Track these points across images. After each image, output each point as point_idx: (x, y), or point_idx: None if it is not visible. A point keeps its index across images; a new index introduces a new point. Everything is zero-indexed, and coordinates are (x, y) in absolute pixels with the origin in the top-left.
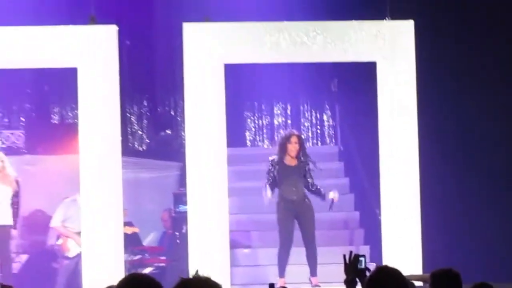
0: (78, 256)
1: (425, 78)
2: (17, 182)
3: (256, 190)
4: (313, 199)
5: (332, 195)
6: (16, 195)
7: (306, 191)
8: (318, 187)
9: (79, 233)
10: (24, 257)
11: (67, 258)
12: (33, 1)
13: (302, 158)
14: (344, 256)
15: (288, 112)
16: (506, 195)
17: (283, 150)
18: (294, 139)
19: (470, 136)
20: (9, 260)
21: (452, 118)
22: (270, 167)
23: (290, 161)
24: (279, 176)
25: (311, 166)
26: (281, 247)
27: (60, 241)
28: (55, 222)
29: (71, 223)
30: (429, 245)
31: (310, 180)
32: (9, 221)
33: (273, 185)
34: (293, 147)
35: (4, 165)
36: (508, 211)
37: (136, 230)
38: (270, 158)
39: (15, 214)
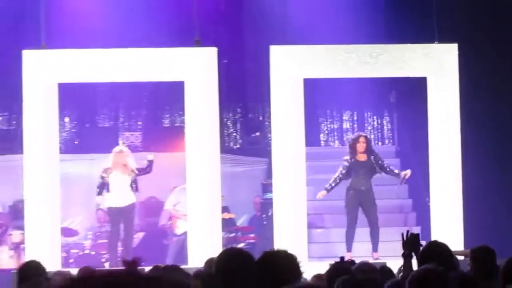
0: (185, 233)
1: (467, 89)
2: (134, 172)
3: (328, 182)
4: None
5: (404, 173)
6: (134, 182)
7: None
8: (391, 167)
9: (186, 215)
10: (141, 235)
11: (176, 235)
12: (152, 28)
13: (371, 154)
14: (402, 234)
15: (355, 118)
16: None
17: (353, 149)
18: (362, 139)
19: (506, 135)
20: (131, 236)
21: (489, 124)
22: (346, 163)
23: (360, 157)
24: (352, 170)
25: (379, 161)
26: (348, 227)
27: (170, 222)
28: (168, 206)
29: (181, 207)
30: (470, 226)
31: (385, 164)
32: (133, 199)
33: (345, 177)
34: (361, 146)
35: (127, 159)
36: None
37: (232, 216)
38: (345, 158)
39: (133, 197)
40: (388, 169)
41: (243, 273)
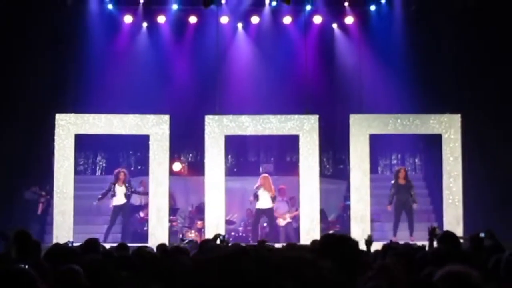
0: (288, 224)
1: (468, 144)
2: (273, 190)
3: (384, 195)
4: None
5: (415, 204)
6: (274, 197)
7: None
8: (413, 196)
9: (283, 214)
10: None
11: (282, 226)
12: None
13: (407, 180)
14: (428, 228)
15: (399, 157)
16: None
17: (396, 176)
18: (402, 170)
19: (501, 179)
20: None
21: (488, 170)
22: (393, 184)
23: (401, 181)
24: (397, 189)
25: (412, 184)
26: (395, 221)
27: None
28: (277, 213)
29: (279, 210)
30: (468, 220)
31: (412, 193)
32: (270, 205)
33: (394, 194)
34: (402, 174)
35: (269, 180)
36: None
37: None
38: (392, 182)
39: (273, 204)
40: (411, 194)
41: (340, 249)
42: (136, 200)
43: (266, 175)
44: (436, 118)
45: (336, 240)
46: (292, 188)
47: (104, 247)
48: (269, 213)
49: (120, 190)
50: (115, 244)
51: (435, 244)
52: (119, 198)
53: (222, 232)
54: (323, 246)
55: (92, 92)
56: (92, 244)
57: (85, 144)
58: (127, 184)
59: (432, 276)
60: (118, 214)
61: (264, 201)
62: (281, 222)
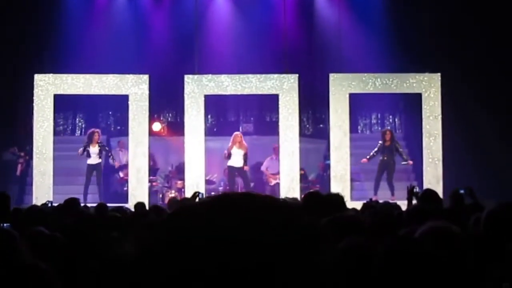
0: (276, 184)
1: (448, 103)
2: (246, 147)
3: (364, 154)
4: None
5: (408, 161)
6: (245, 155)
7: (394, 156)
8: (403, 153)
9: (274, 174)
10: (252, 184)
11: (270, 185)
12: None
13: (394, 141)
14: (408, 186)
15: (379, 117)
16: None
17: (383, 137)
18: (388, 132)
19: (479, 139)
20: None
21: (467, 130)
22: (379, 145)
23: (387, 143)
24: (382, 150)
25: (398, 144)
26: (376, 180)
27: (265, 177)
28: (263, 168)
29: (271, 169)
30: (447, 179)
31: (400, 150)
32: (241, 164)
33: (378, 154)
34: (387, 136)
35: (242, 138)
36: None
37: (302, 172)
38: (379, 142)
39: (245, 163)
40: (400, 152)
41: (321, 204)
42: (114, 160)
43: (237, 132)
44: (416, 77)
45: (322, 196)
46: (272, 148)
47: (87, 207)
48: (241, 172)
49: (94, 151)
50: (95, 204)
51: (414, 203)
52: (93, 158)
53: (202, 191)
54: (308, 202)
55: (71, 52)
56: (71, 204)
57: (64, 105)
58: (101, 144)
59: (412, 234)
60: (92, 172)
61: (236, 160)
62: (272, 181)
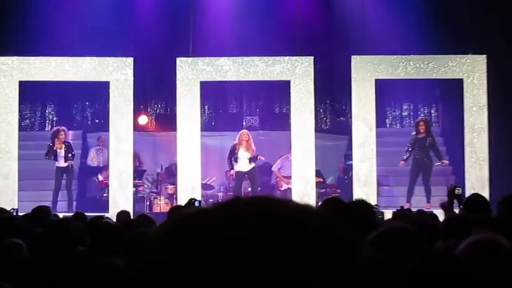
0: (287, 190)
1: (495, 91)
2: (253, 149)
3: (393, 152)
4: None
5: (444, 160)
6: (253, 157)
7: (430, 153)
8: (439, 152)
9: (287, 177)
10: (258, 189)
11: (280, 190)
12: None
13: (428, 133)
14: (448, 186)
15: (411, 107)
16: None
17: (416, 128)
18: (422, 123)
19: None
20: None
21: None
22: (412, 139)
23: (421, 135)
24: (415, 145)
25: (434, 139)
26: (409, 184)
27: (276, 180)
28: (274, 168)
29: (284, 170)
30: (495, 182)
31: (436, 146)
32: (249, 167)
33: (411, 149)
34: (422, 127)
35: (249, 138)
36: None
37: (321, 179)
38: (413, 133)
39: (253, 163)
40: (435, 150)
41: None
42: (92, 160)
43: (244, 131)
44: (457, 59)
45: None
46: (282, 145)
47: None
48: (251, 175)
49: (60, 153)
50: (68, 214)
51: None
52: (60, 162)
53: (198, 198)
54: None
55: (40, 31)
56: (41, 213)
57: (31, 94)
58: (66, 145)
59: (452, 249)
60: (62, 176)
61: (242, 164)
62: (283, 185)
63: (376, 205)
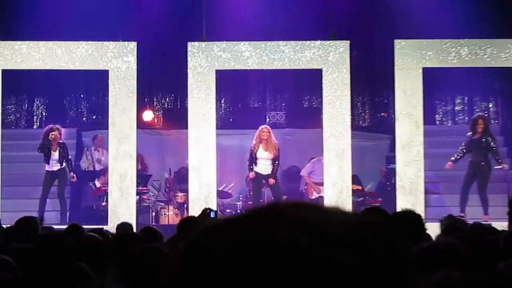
0: (319, 198)
1: None
2: (275, 148)
3: (444, 154)
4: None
5: (503, 165)
6: (276, 157)
7: (487, 155)
8: (499, 155)
9: (319, 183)
10: (284, 197)
11: (310, 199)
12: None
13: (486, 133)
14: (508, 195)
15: (465, 101)
16: None
17: (473, 127)
18: (480, 121)
19: None
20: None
21: None
22: (467, 139)
23: (477, 135)
24: (470, 146)
25: (493, 139)
26: (462, 192)
27: (305, 187)
28: (303, 173)
29: (314, 175)
30: None
31: (494, 148)
32: (270, 170)
33: (465, 150)
34: (479, 126)
35: (270, 135)
36: None
37: (359, 187)
38: (467, 135)
39: (274, 170)
40: (494, 152)
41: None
42: (88, 163)
43: (264, 127)
44: None
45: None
46: (313, 145)
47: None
48: (271, 181)
49: (54, 156)
50: (62, 227)
51: None
52: (52, 165)
53: (214, 208)
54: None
55: (27, 11)
56: (27, 226)
57: (16, 85)
58: (61, 146)
59: None
60: (52, 181)
61: (263, 165)
62: (314, 193)
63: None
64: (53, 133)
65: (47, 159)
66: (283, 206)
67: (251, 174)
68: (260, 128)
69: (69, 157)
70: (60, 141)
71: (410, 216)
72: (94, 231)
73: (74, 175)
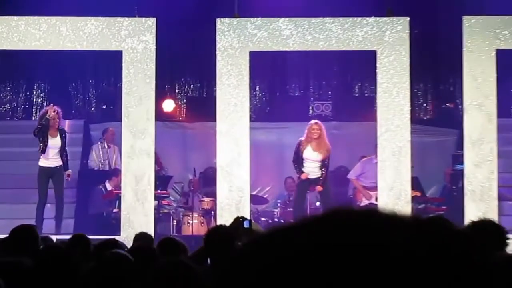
0: (369, 205)
1: None
2: (327, 149)
3: None
4: None
5: None
6: (326, 159)
7: None
8: None
9: (369, 188)
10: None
11: (359, 206)
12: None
13: None
14: None
15: None
16: None
17: None
18: None
19: None
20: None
21: None
22: None
23: None
24: None
25: None
26: None
27: (353, 192)
28: (351, 175)
29: (364, 178)
30: None
31: None
32: (318, 174)
33: None
34: None
35: (322, 133)
36: None
37: (418, 194)
38: None
39: (324, 176)
40: None
41: None
42: (95, 162)
43: (314, 122)
44: None
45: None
46: (364, 142)
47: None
48: (319, 185)
49: (54, 143)
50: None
51: None
52: (49, 157)
53: (247, 216)
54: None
55: None
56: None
57: (13, 68)
58: (62, 133)
59: None
60: (47, 180)
61: (310, 167)
62: (363, 200)
63: None
64: (51, 111)
65: (44, 147)
66: (350, 212)
67: (303, 175)
68: (309, 124)
69: (66, 147)
70: (59, 126)
71: (490, 227)
72: (106, 243)
73: (69, 173)
